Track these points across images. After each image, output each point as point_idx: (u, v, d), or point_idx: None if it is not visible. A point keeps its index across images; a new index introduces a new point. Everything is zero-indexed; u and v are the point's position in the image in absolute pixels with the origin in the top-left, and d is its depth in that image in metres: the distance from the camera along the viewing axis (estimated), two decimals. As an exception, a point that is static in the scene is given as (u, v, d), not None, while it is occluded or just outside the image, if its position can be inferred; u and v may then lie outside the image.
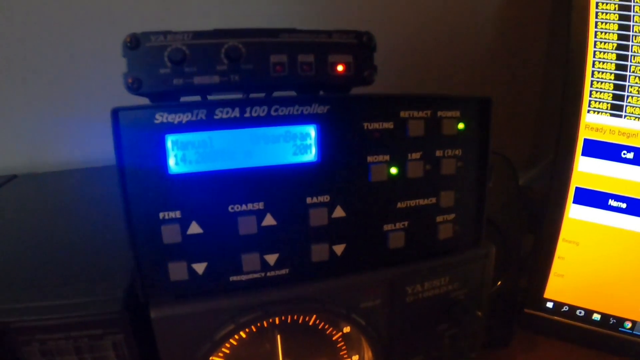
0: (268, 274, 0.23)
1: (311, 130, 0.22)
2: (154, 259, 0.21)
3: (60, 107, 0.47)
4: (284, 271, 0.23)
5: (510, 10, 0.54)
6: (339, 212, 0.23)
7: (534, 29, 0.55)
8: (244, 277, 0.22)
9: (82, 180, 0.43)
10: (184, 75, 0.21)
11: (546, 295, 0.37)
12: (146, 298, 0.21)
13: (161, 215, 0.21)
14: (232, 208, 0.22)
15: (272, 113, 0.21)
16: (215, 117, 0.21)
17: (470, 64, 0.56)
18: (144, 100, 0.23)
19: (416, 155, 0.25)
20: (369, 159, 0.23)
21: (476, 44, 0.56)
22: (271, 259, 0.23)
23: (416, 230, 0.26)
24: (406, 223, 0.25)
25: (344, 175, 0.23)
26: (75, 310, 0.21)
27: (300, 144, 0.22)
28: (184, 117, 0.20)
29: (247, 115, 0.21)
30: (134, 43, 0.20)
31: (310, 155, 0.22)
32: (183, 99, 0.23)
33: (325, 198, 0.23)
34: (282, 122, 0.22)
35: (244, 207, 0.22)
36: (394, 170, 0.24)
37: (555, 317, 0.37)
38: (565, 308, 0.37)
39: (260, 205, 0.22)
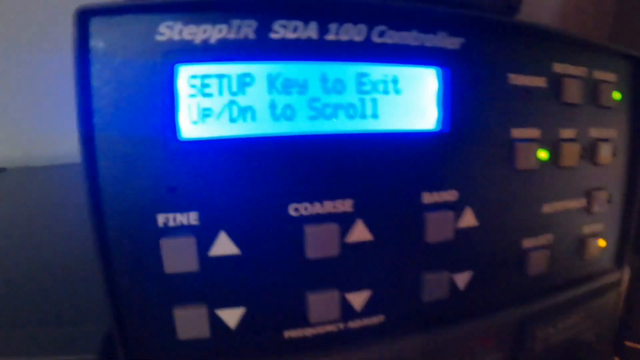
0: (350, 324, 0.13)
1: (432, 77, 0.13)
2: (146, 302, 0.11)
3: (53, 97, 0.40)
4: (376, 319, 0.13)
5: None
6: (468, 219, 0.14)
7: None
8: (309, 332, 0.13)
9: (70, 177, 0.34)
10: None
11: (647, 326, 0.30)
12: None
13: (161, 219, 0.11)
14: (296, 210, 0.12)
15: (374, 39, 0.12)
16: (272, 36, 0.11)
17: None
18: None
19: (570, 134, 0.16)
20: (514, 132, 0.14)
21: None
22: (357, 299, 0.13)
23: (561, 246, 0.17)
24: (550, 236, 0.16)
25: (479, 158, 0.14)
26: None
27: (413, 100, 0.13)
28: (214, 33, 0.11)
29: (329, 37, 0.11)
30: None
31: (429, 120, 0.13)
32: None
33: (450, 195, 0.13)
34: (387, 58, 0.12)
35: (317, 207, 0.12)
36: (543, 155, 0.15)
37: (658, 352, 0.30)
38: (670, 342, 0.29)
39: (346, 206, 0.12)
